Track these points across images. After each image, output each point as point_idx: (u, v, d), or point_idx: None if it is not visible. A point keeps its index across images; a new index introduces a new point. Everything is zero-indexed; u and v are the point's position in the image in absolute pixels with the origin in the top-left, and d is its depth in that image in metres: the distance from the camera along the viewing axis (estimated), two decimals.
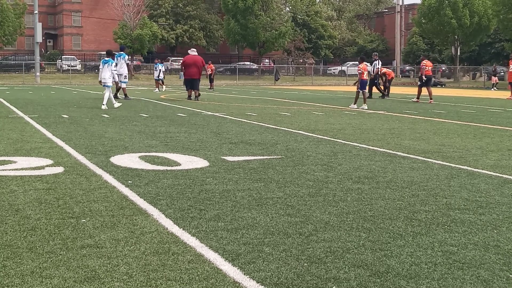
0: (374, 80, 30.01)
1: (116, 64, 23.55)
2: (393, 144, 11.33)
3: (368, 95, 26.45)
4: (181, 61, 27.13)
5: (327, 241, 4.92)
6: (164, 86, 38.58)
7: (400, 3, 75.36)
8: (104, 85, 20.39)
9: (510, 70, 31.76)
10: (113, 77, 20.62)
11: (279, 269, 4.23)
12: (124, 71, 26.78)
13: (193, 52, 27.17)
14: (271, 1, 72.06)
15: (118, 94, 26.06)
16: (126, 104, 22.73)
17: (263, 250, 4.66)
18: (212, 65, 43.10)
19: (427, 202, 6.38)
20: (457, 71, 65.35)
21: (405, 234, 5.17)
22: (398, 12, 74.39)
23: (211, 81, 41.97)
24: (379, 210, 6.01)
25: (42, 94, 30.46)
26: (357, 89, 22.52)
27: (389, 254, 4.61)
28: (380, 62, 31.47)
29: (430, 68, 27.66)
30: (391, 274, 4.17)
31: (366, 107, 21.63)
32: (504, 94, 35.09)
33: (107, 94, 20.08)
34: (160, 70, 38.10)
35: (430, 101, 26.07)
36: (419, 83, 28.04)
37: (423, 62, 27.41)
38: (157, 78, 38.48)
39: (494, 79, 50.34)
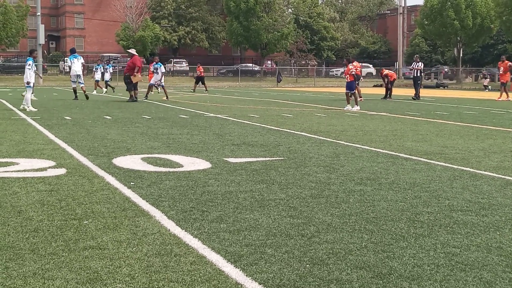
0: (418, 80, 31.98)
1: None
2: (396, 145, 11.32)
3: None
4: (133, 62, 25.99)
5: (329, 242, 4.92)
6: (104, 89, 35.97)
7: (403, 5, 75.25)
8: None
9: (500, 72, 32.28)
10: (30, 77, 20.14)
11: (281, 271, 4.23)
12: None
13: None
14: (273, 3, 72.00)
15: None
16: (128, 105, 22.76)
17: (266, 251, 4.65)
18: (201, 67, 42.70)
19: (430, 204, 6.37)
20: (460, 72, 65.29)
21: (408, 235, 5.16)
22: (401, 13, 74.31)
23: (202, 82, 41.27)
24: (382, 211, 6.01)
25: (44, 96, 30.48)
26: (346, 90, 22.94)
27: (392, 255, 4.60)
28: (422, 64, 33.18)
29: (359, 69, 30.61)
30: (393, 275, 4.17)
31: (351, 108, 22.08)
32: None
33: (27, 95, 20.05)
34: (98, 71, 36.06)
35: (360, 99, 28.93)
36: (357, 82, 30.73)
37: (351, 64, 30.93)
38: (98, 79, 36.02)
39: None
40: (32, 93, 20.88)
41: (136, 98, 25.61)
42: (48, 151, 9.93)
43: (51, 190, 6.82)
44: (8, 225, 5.35)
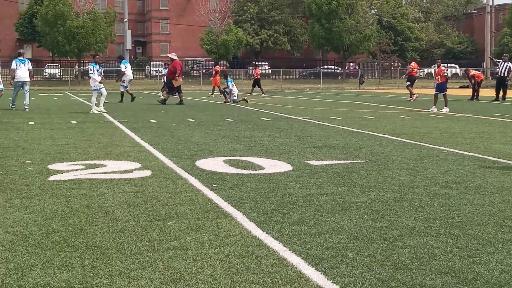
0: (505, 81, 31.07)
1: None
2: (483, 148, 10.99)
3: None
4: (174, 67, 26.37)
5: (412, 247, 4.82)
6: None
7: (490, 3, 73.02)
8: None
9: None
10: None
11: (363, 275, 4.18)
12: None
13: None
14: (356, 4, 71.37)
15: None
16: (211, 108, 23.09)
17: (347, 255, 4.61)
18: (258, 69, 42.46)
19: None
20: None
21: (495, 240, 5.01)
22: (488, 12, 72.12)
23: (258, 86, 40.88)
24: (468, 216, 5.85)
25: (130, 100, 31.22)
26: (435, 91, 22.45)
27: (478, 261, 4.47)
28: (510, 64, 31.93)
29: (416, 70, 32.28)
30: (479, 281, 4.05)
31: (436, 110, 21.67)
32: None
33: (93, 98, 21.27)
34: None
35: (410, 99, 29.56)
36: (407, 83, 31.52)
37: (411, 64, 32.05)
38: None
39: None
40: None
41: (182, 101, 26.34)
42: (134, 154, 10.19)
43: (136, 192, 7.00)
44: (95, 225, 5.52)
